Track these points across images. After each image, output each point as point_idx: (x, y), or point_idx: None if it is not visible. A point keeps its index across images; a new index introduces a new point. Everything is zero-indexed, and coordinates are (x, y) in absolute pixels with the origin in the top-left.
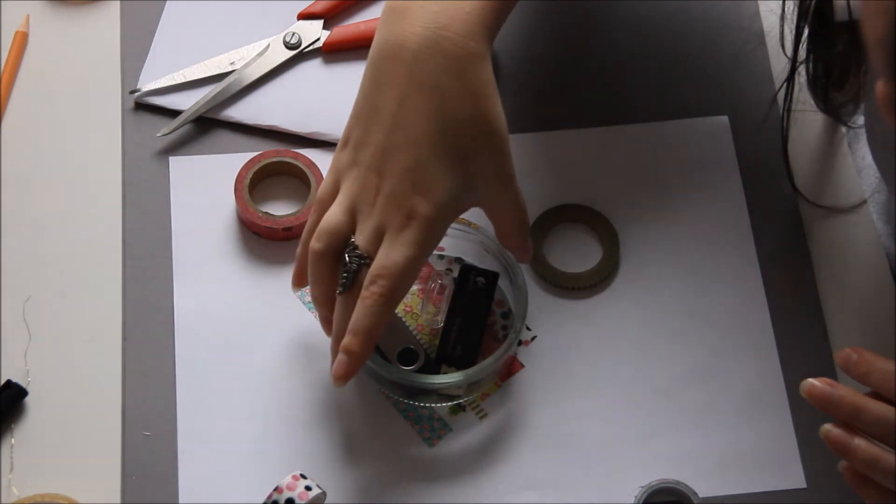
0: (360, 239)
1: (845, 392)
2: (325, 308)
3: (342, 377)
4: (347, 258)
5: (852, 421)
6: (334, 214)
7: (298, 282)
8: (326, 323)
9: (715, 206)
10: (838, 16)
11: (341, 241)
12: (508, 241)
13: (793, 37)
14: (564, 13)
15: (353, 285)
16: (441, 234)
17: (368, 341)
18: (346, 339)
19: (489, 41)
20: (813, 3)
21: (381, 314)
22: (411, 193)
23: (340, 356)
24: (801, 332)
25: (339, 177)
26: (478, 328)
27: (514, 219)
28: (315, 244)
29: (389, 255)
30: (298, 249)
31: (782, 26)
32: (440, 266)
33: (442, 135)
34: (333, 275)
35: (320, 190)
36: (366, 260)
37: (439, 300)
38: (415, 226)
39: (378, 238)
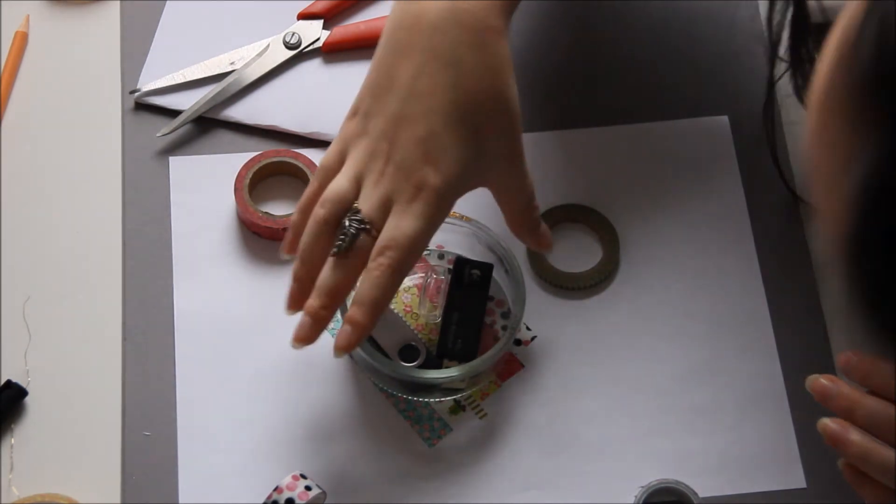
0: (365, 205)
1: (844, 387)
2: (306, 272)
3: (344, 348)
4: (347, 222)
5: (848, 415)
6: (340, 183)
7: (291, 249)
8: (298, 289)
9: (715, 206)
10: (815, 17)
11: (346, 210)
12: (518, 226)
13: (769, 46)
14: (564, 13)
15: (348, 249)
16: (449, 208)
17: (374, 313)
18: (352, 310)
19: (507, 19)
20: (790, 10)
21: (389, 286)
22: (422, 164)
23: (345, 326)
24: (801, 332)
25: (346, 146)
26: (476, 320)
27: (522, 199)
28: (319, 210)
29: (399, 227)
30: (294, 216)
31: (771, 33)
32: (438, 263)
33: (457, 107)
34: (330, 241)
35: (324, 157)
36: (366, 226)
37: (436, 296)
38: (424, 197)
39: (384, 207)
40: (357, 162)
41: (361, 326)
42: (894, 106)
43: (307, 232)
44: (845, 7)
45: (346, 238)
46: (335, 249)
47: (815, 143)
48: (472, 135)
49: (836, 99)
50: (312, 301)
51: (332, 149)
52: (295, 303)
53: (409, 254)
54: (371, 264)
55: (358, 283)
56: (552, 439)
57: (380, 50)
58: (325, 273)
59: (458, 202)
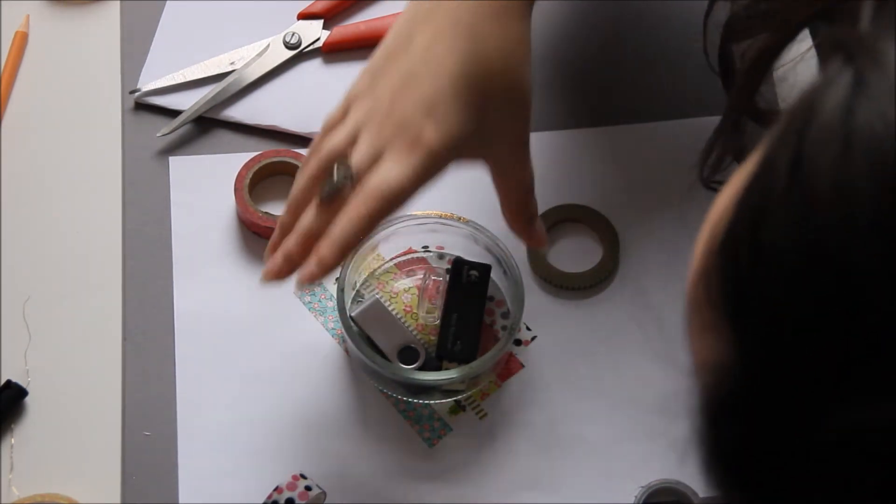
0: (356, 156)
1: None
2: (290, 219)
3: (306, 280)
4: (335, 169)
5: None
6: (336, 137)
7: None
8: (279, 234)
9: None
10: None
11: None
12: (512, 215)
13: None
14: (564, 13)
15: (332, 197)
16: (440, 168)
17: (341, 252)
18: (320, 245)
19: (530, 3)
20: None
21: (361, 229)
22: (422, 121)
23: (310, 261)
24: None
25: (350, 101)
26: (475, 322)
27: (521, 186)
28: (311, 161)
29: (385, 176)
30: (297, 175)
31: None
32: (439, 264)
33: (469, 77)
34: (316, 192)
35: (329, 114)
36: (352, 176)
37: (434, 296)
38: (418, 152)
39: (374, 159)
40: (357, 117)
41: (326, 263)
42: (740, 328)
43: (297, 183)
44: (716, 202)
45: (331, 188)
46: (319, 197)
47: (686, 326)
48: (480, 108)
49: (697, 301)
50: (288, 241)
51: (337, 107)
52: (273, 247)
53: (389, 203)
54: (350, 205)
55: (334, 223)
56: (552, 439)
57: (401, 18)
58: (306, 217)
59: (455, 202)
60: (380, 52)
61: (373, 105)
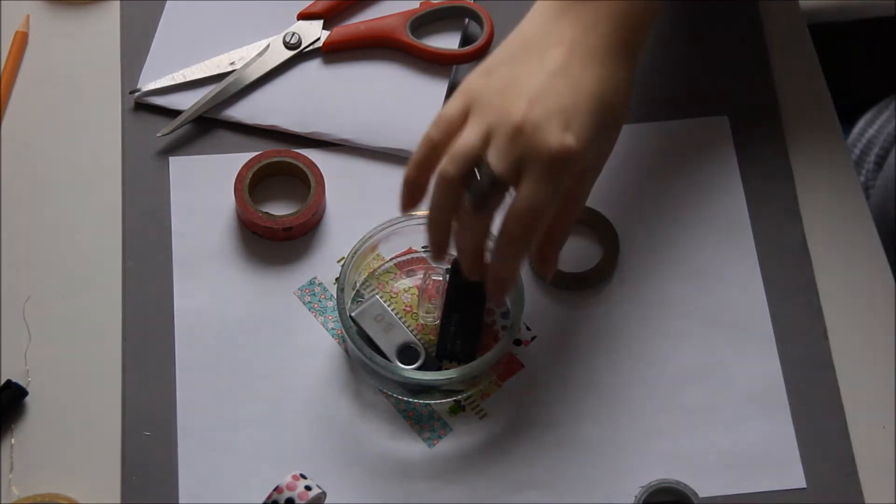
0: (496, 161)
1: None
2: (442, 233)
3: (500, 296)
4: (478, 175)
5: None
6: (470, 138)
7: (410, 205)
8: (438, 248)
9: (715, 206)
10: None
11: (474, 166)
12: (556, 241)
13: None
14: None
15: (482, 205)
16: (564, 184)
17: (515, 276)
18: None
19: (641, 44)
20: None
21: (524, 254)
22: (562, 131)
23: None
24: (801, 332)
25: (472, 101)
26: (475, 322)
27: (579, 212)
28: (449, 168)
29: (537, 194)
30: (410, 171)
31: None
32: (438, 264)
33: (603, 100)
34: (458, 199)
35: (446, 108)
36: (499, 185)
37: (434, 296)
38: (562, 165)
39: (516, 167)
40: (488, 117)
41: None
42: None
43: (435, 194)
44: None
45: (479, 197)
46: (470, 207)
47: None
48: (601, 129)
49: None
50: (467, 262)
51: (454, 102)
52: (440, 256)
53: (542, 223)
54: (512, 233)
55: (494, 252)
56: (552, 439)
57: (527, 30)
58: (462, 232)
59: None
60: (504, 57)
61: (507, 107)
